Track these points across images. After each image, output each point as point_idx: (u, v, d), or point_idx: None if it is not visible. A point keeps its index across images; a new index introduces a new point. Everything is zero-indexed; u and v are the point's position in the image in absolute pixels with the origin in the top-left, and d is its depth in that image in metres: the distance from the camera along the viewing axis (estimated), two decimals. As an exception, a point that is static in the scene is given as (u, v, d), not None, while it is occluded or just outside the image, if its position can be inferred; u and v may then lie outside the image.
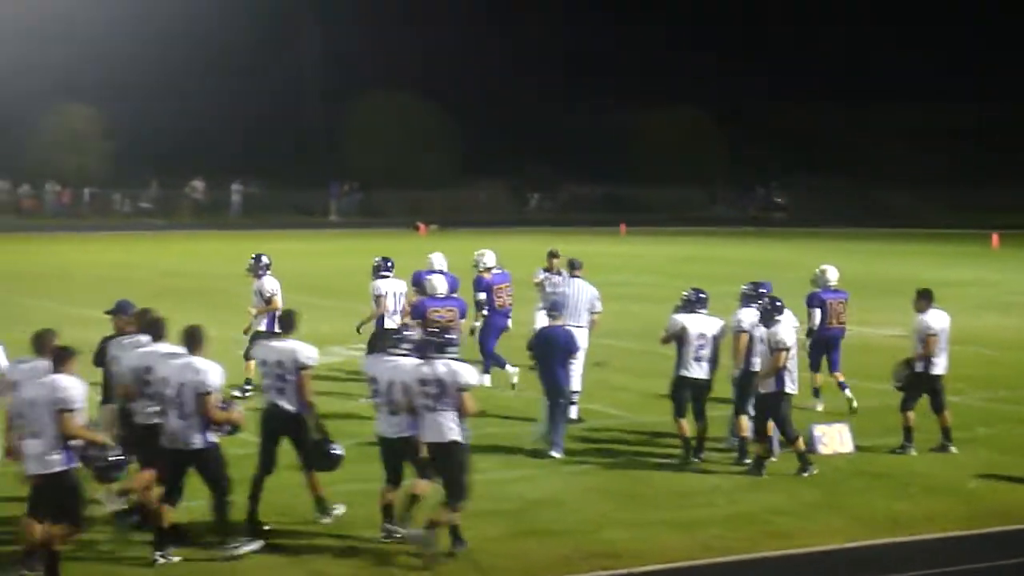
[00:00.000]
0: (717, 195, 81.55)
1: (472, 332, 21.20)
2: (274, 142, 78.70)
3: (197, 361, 12.71)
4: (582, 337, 18.53)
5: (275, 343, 14.09)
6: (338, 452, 13.73)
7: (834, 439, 17.23)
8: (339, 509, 13.92)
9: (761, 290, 16.94)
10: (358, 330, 20.70)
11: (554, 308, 17.75)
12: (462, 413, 12.86)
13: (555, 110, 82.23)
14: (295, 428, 13.69)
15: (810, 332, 19.85)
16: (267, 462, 13.76)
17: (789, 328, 16.25)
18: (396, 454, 13.36)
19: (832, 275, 20.19)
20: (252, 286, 20.46)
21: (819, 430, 17.25)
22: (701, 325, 16.61)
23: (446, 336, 13.23)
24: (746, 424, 16.50)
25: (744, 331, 16.57)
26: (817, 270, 20.42)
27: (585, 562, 12.79)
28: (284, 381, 13.61)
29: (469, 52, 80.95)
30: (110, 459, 12.11)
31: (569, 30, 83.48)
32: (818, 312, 19.96)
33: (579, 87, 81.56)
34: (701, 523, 14.10)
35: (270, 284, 20.36)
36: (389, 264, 20.48)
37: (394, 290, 20.23)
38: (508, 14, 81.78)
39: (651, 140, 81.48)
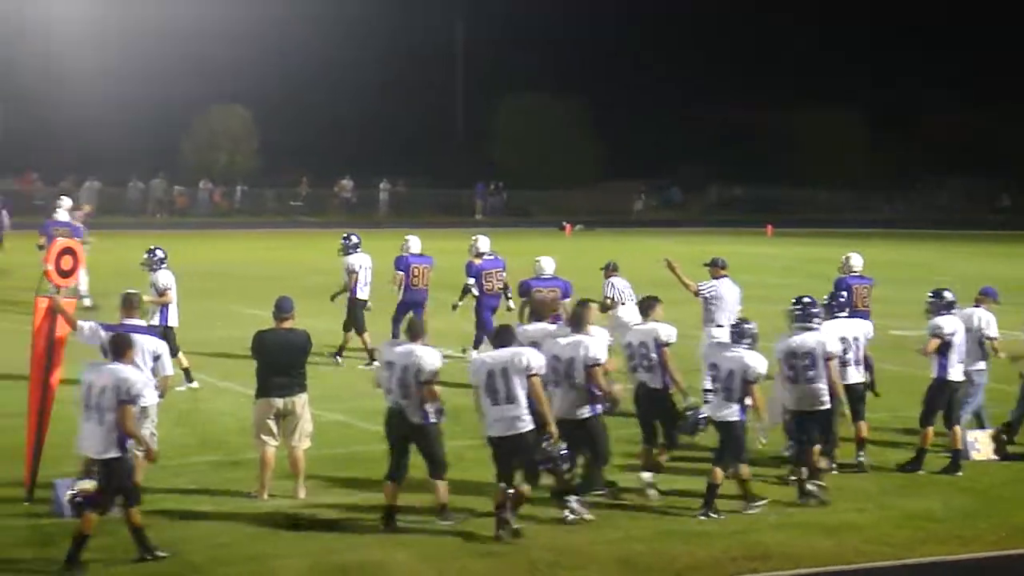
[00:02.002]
0: (885, 196, 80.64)
1: (454, 308, 23.55)
2: (422, 142, 79.29)
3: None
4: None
5: (640, 326, 15.05)
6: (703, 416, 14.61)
7: (986, 445, 16.94)
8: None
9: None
10: (332, 299, 23.38)
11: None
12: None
13: (701, 110, 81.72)
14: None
15: None
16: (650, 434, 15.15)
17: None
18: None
19: (856, 262, 21.13)
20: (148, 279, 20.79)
21: (972, 435, 16.97)
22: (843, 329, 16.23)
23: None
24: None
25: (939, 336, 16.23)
26: (843, 258, 21.31)
27: (733, 564, 12.69)
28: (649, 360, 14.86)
29: (617, 52, 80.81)
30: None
31: (717, 29, 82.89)
32: (844, 296, 20.26)
33: (726, 87, 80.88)
34: (851, 527, 13.90)
35: (164, 278, 20.64)
36: (356, 241, 23.40)
37: (363, 264, 23.14)
38: (656, 14, 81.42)
39: (800, 141, 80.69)
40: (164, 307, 20.40)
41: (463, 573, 12.23)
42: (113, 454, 12.21)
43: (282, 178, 72.47)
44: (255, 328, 15.17)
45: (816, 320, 15.29)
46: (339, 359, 22.96)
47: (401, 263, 23.66)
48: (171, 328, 19.93)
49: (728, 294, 19.50)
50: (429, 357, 13.53)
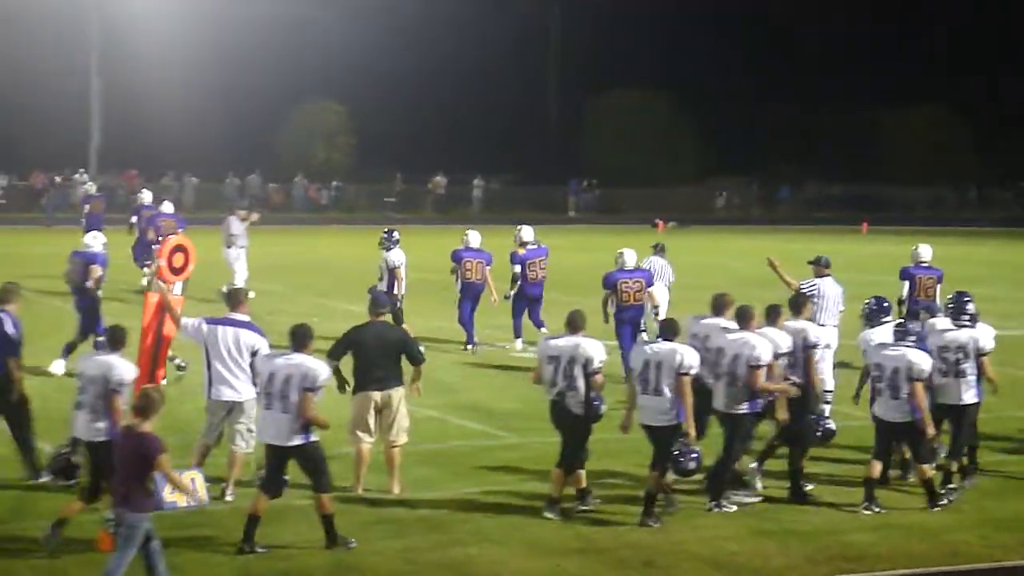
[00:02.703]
0: (970, 194, 79.55)
1: (507, 298, 24.20)
2: (515, 138, 79.39)
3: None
4: (832, 336, 18.35)
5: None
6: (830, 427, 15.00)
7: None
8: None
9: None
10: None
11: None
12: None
13: (797, 107, 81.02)
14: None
15: (900, 302, 21.48)
16: None
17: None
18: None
19: (925, 253, 22.16)
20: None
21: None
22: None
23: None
24: None
25: None
26: (912, 249, 22.48)
27: (827, 564, 12.61)
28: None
29: (711, 48, 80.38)
30: None
31: (813, 26, 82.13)
32: (907, 285, 21.99)
33: (824, 84, 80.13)
34: (948, 529, 13.77)
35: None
36: (397, 237, 23.95)
37: (401, 261, 23.69)
38: (753, 13, 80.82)
39: (895, 138, 79.86)
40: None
41: (557, 570, 12.24)
42: (297, 441, 12.58)
43: (376, 174, 72.83)
44: (349, 323, 15.28)
45: (967, 316, 15.33)
46: None
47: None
48: None
49: (831, 293, 19.30)
50: (594, 348, 13.81)
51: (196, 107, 68.28)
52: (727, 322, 14.88)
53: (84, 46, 67.82)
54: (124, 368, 12.97)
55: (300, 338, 12.97)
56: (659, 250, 24.10)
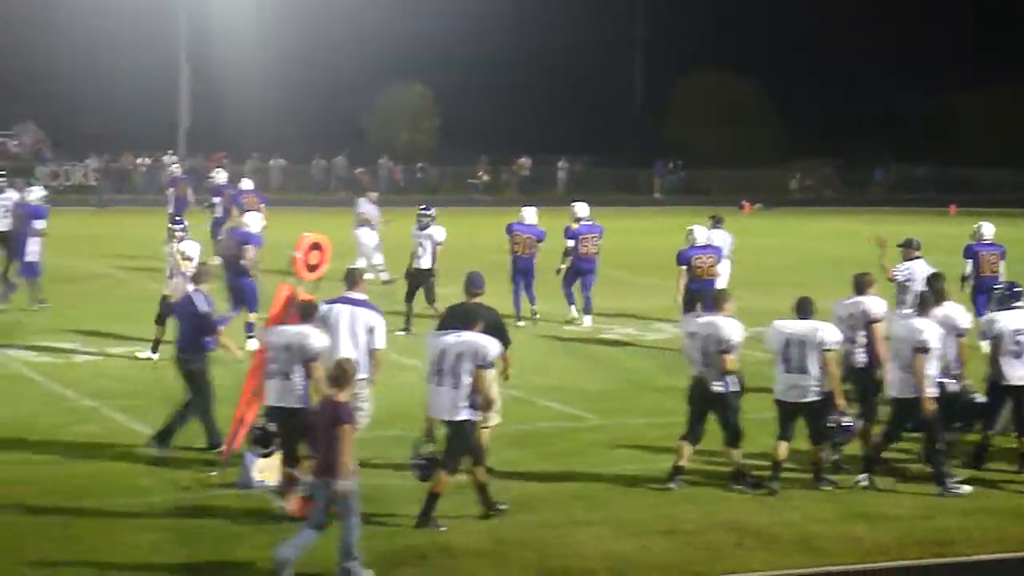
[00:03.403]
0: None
1: (558, 272, 25.00)
2: (601, 120, 79.23)
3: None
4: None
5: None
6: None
7: None
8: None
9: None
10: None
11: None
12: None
13: (883, 88, 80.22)
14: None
15: (964, 279, 22.29)
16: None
17: None
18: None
19: (987, 231, 22.72)
20: None
21: None
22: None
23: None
24: None
25: None
26: (974, 226, 22.95)
27: (917, 547, 12.53)
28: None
29: (797, 29, 79.74)
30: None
31: (898, 7, 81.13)
32: (970, 263, 22.57)
33: (911, 66, 79.22)
34: (1044, 512, 13.66)
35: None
36: (431, 214, 24.24)
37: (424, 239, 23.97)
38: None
39: (980, 119, 78.83)
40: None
41: (644, 552, 12.25)
42: (464, 416, 12.86)
43: (460, 156, 72.93)
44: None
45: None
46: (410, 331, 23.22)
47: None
48: None
49: (922, 276, 19.01)
50: (730, 328, 14.09)
51: (283, 90, 68.84)
52: (872, 301, 15.28)
53: (173, 29, 68.49)
54: (318, 338, 13.34)
55: (468, 317, 13.35)
56: (717, 223, 25.19)
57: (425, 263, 23.94)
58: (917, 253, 19.62)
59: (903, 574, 12.05)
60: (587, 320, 24.83)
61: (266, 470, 13.89)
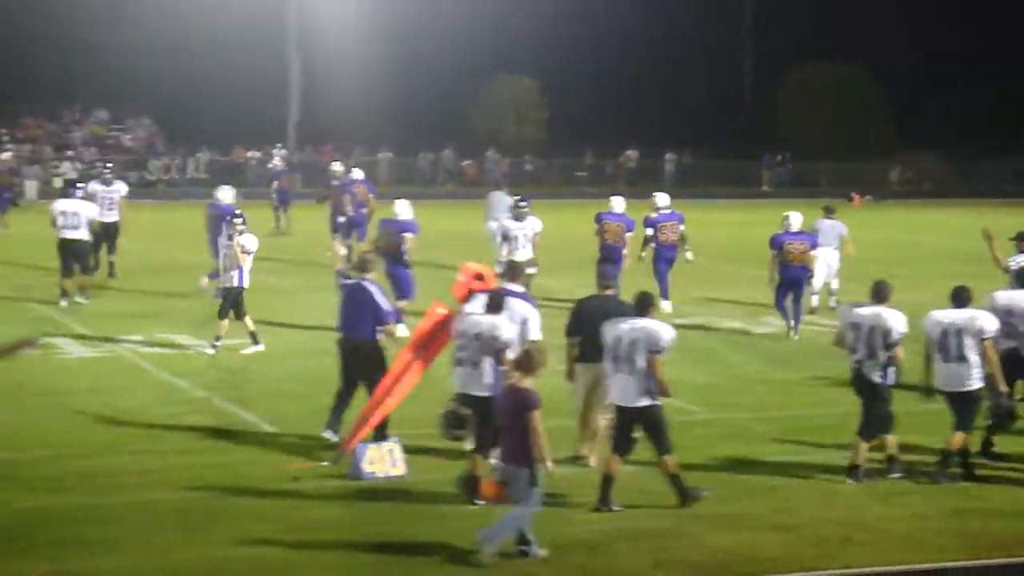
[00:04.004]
0: None
1: (640, 259, 25.54)
2: (708, 112, 78.78)
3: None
4: None
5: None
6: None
7: None
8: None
9: None
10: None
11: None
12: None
13: (988, 80, 78.83)
14: None
15: None
16: None
17: None
18: None
19: None
20: None
21: None
22: None
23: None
24: None
25: None
26: None
27: (1032, 544, 12.36)
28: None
29: (903, 22, 78.70)
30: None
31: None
32: None
33: (1015, 56, 77.82)
34: None
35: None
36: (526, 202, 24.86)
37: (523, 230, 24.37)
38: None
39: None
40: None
41: (753, 546, 12.17)
42: (644, 402, 13.05)
43: (567, 148, 72.87)
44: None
45: None
46: None
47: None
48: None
49: None
50: (896, 319, 14.14)
51: (390, 83, 69.15)
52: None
53: (282, 24, 69.21)
54: (508, 329, 13.59)
55: (643, 304, 13.40)
56: (829, 212, 26.29)
57: (522, 255, 24.01)
58: (1031, 244, 19.34)
59: (1016, 572, 11.87)
60: (667, 305, 24.80)
61: (376, 462, 14.01)
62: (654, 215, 25.84)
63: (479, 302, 14.13)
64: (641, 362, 13.03)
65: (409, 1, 70.18)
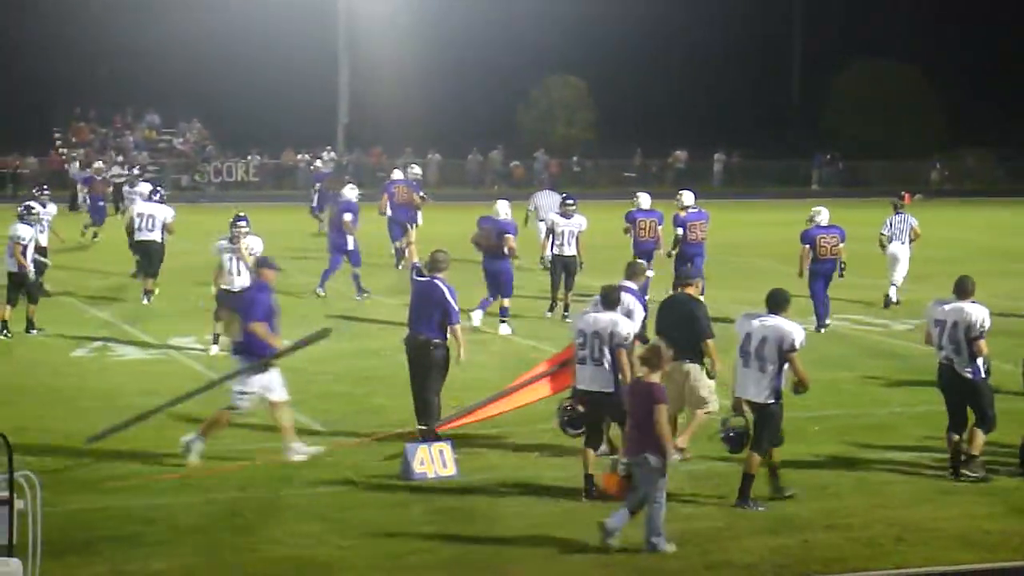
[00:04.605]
0: None
1: (669, 255, 25.67)
2: (758, 111, 78.50)
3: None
4: None
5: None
6: None
7: None
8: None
9: None
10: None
11: None
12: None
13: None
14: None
15: None
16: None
17: None
18: None
19: None
20: None
21: None
22: None
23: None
24: None
25: None
26: None
27: (1084, 546, 12.24)
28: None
29: (951, 18, 78.16)
30: None
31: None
32: None
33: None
34: None
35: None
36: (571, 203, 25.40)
37: (570, 227, 25.04)
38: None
39: None
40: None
41: (805, 546, 12.15)
42: (770, 400, 13.20)
43: (616, 149, 72.75)
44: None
45: None
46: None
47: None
48: None
49: None
50: (979, 313, 14.17)
51: (438, 85, 69.29)
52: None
53: (332, 27, 69.43)
54: (627, 325, 13.82)
55: (777, 301, 13.54)
56: (898, 208, 27.57)
57: (569, 251, 24.98)
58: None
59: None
60: None
61: (427, 462, 14.07)
62: (682, 214, 25.95)
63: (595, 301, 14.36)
64: (771, 360, 13.16)
65: (456, 2, 70.26)
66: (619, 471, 12.70)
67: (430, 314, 15.53)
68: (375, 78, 68.81)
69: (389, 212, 31.96)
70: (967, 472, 14.13)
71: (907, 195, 62.33)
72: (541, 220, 31.65)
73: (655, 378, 12.19)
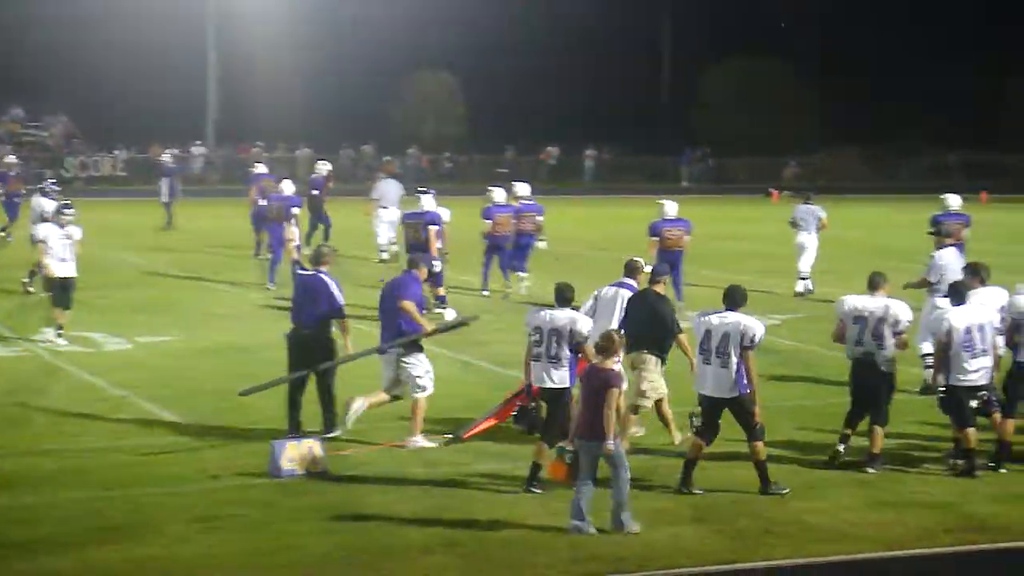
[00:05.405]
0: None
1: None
2: (628, 108, 79.05)
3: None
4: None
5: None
6: None
7: None
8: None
9: None
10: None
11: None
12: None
13: (916, 75, 79.64)
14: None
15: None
16: None
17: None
18: None
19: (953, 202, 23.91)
20: None
21: None
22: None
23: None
24: None
25: None
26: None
27: (947, 535, 12.45)
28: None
29: (825, 14, 79.37)
30: None
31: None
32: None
33: (941, 52, 78.68)
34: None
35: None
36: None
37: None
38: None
39: (1017, 106, 78.38)
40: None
41: (674, 539, 12.23)
42: (736, 393, 13.46)
43: (488, 145, 72.89)
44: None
45: None
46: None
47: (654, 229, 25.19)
48: None
49: (954, 263, 18.73)
50: (902, 308, 14.52)
51: (310, 80, 68.86)
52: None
53: (200, 19, 68.64)
54: (585, 322, 13.97)
55: (734, 298, 13.73)
56: (807, 199, 28.48)
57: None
58: (948, 241, 19.81)
59: (933, 561, 11.99)
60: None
61: (295, 459, 13.93)
62: (513, 204, 26.78)
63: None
64: (734, 355, 13.37)
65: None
66: (565, 459, 12.82)
67: (316, 307, 15.56)
68: (246, 72, 68.14)
69: (263, 202, 31.81)
70: (870, 470, 14.31)
71: (775, 193, 63.31)
72: (384, 208, 31.94)
73: (610, 364, 12.52)
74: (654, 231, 24.57)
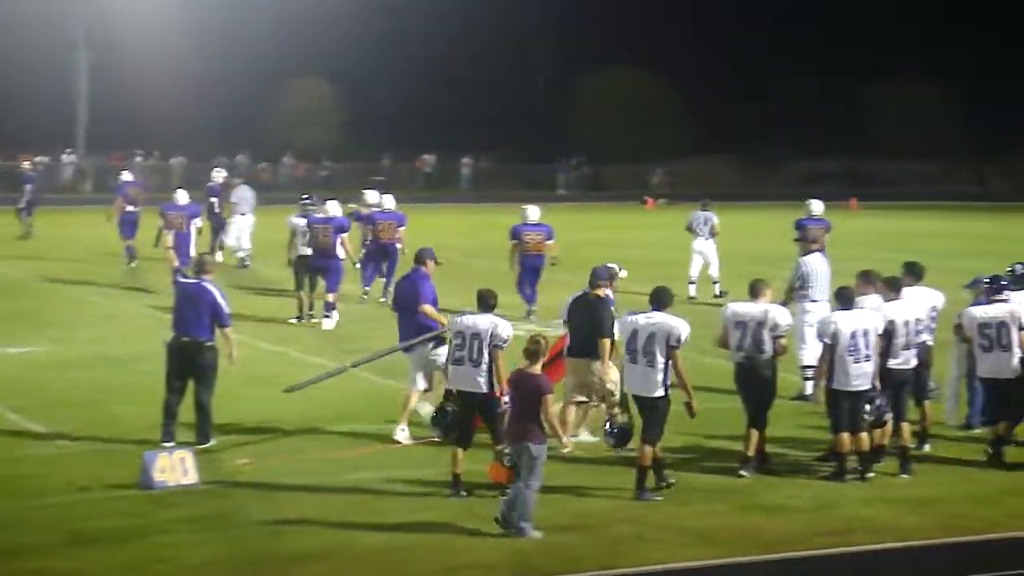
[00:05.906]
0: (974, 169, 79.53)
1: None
2: (504, 117, 79.22)
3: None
4: (826, 311, 17.99)
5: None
6: None
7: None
8: None
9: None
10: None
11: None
12: None
13: (787, 82, 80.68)
14: None
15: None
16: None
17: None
18: None
19: (816, 207, 25.17)
20: None
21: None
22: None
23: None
24: None
25: None
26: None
27: (817, 538, 12.59)
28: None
29: (697, 25, 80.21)
30: None
31: (799, 4, 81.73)
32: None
33: (810, 60, 79.84)
34: (937, 501, 13.79)
35: None
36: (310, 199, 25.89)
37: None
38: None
39: (887, 114, 79.74)
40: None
41: (546, 545, 12.23)
42: (659, 393, 13.68)
43: (365, 153, 72.63)
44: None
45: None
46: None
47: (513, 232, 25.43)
48: None
49: (821, 268, 18.91)
50: (782, 314, 14.86)
51: (184, 86, 68.04)
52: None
53: (70, 21, 67.56)
54: (505, 327, 14.06)
55: (661, 299, 14.03)
56: (704, 206, 29.07)
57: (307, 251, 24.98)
58: (814, 246, 19.80)
59: (804, 564, 12.12)
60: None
61: (167, 470, 13.74)
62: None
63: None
64: (661, 355, 13.59)
65: (203, 3, 69.06)
66: (505, 462, 12.93)
67: (199, 316, 15.47)
68: (119, 80, 67.21)
69: (129, 208, 32.33)
70: (744, 473, 14.42)
71: (650, 200, 63.93)
72: (242, 214, 32.99)
73: (537, 369, 12.69)
74: (514, 235, 25.01)
